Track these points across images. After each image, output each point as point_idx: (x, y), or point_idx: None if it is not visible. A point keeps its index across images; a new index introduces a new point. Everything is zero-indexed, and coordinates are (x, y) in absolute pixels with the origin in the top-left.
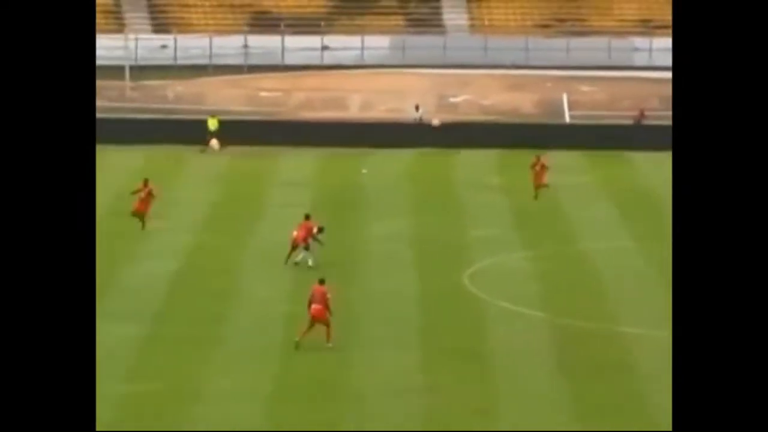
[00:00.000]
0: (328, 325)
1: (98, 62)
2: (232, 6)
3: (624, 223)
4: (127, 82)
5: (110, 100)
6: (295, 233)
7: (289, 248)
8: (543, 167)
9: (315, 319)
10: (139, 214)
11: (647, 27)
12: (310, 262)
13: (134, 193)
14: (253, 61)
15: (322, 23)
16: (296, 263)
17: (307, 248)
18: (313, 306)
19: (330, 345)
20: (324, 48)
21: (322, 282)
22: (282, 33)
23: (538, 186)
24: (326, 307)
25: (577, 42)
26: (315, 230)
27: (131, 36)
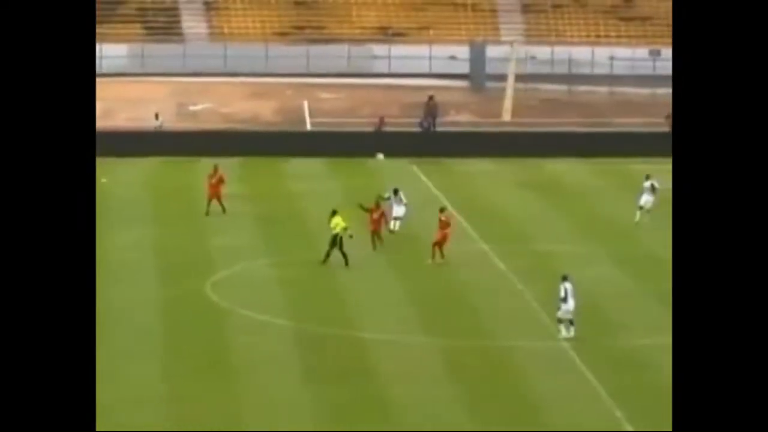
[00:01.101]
0: None
1: None
2: None
3: (365, 229)
4: None
5: None
6: None
7: None
8: (220, 179)
9: None
10: None
11: (386, 35)
12: None
13: None
14: None
15: None
16: None
17: None
18: None
19: None
20: None
21: None
22: None
23: (213, 197)
24: None
25: (316, 49)
26: None
27: None
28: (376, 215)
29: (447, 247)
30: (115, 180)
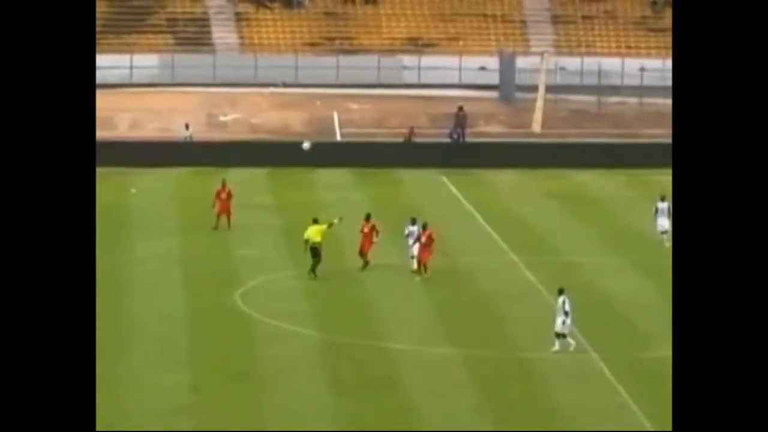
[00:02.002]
0: None
1: None
2: None
3: (393, 240)
4: None
5: None
6: None
7: None
8: (229, 195)
9: None
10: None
11: (415, 45)
12: None
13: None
14: None
15: None
16: None
17: None
18: None
19: None
20: None
21: None
22: None
23: (221, 214)
24: None
25: (346, 60)
26: None
27: None
28: (366, 229)
29: (432, 262)
30: (143, 190)
